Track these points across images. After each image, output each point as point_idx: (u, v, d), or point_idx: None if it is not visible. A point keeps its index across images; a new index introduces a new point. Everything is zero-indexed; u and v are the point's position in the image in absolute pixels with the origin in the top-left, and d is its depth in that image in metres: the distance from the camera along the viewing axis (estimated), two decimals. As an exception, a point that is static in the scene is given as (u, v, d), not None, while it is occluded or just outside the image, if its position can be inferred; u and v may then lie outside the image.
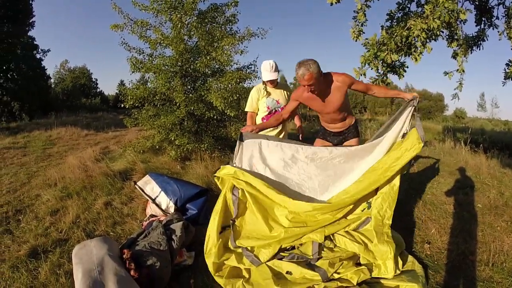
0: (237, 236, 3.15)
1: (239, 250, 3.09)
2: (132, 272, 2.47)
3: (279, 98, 4.19)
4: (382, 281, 2.78)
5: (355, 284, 2.69)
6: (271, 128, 4.07)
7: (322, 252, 3.05)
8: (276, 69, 3.99)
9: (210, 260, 2.93)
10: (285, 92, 4.28)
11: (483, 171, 6.22)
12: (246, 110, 4.26)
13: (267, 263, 2.98)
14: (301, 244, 3.16)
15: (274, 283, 2.70)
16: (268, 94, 4.12)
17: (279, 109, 4.14)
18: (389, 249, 2.87)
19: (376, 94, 3.39)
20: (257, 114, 4.27)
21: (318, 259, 2.97)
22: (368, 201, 3.33)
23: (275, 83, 4.10)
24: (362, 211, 3.36)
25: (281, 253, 3.08)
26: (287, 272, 2.88)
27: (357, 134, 3.72)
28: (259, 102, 4.09)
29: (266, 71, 3.95)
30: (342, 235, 3.16)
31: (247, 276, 2.91)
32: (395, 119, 3.22)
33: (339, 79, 3.22)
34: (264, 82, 4.11)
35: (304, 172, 3.37)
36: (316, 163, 3.35)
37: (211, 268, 2.90)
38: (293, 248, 3.16)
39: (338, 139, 3.72)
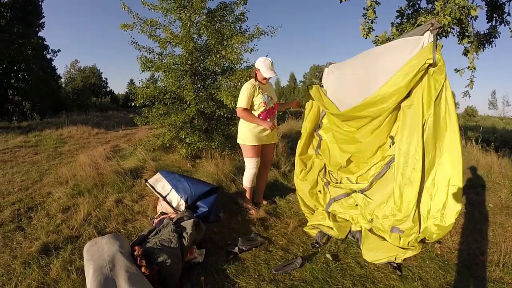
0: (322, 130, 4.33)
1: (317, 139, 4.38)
2: (143, 269, 2.48)
3: (271, 94, 4.16)
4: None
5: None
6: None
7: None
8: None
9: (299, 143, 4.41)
10: (272, 88, 4.31)
11: (494, 170, 6.16)
12: (242, 106, 3.96)
13: (319, 174, 4.29)
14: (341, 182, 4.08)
15: (307, 190, 4.21)
16: (264, 90, 4.07)
17: (273, 105, 4.12)
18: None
19: None
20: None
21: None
22: (392, 135, 3.53)
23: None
24: (390, 147, 3.56)
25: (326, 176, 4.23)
26: (319, 191, 4.18)
27: None
28: (255, 99, 4.00)
29: (267, 68, 3.91)
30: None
31: (307, 169, 4.36)
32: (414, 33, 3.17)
33: None
34: (256, 79, 4.05)
35: (356, 80, 3.76)
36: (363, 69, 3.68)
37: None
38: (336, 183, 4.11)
39: None
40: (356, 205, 3.76)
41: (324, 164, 4.30)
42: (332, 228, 3.61)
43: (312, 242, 3.55)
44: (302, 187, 4.26)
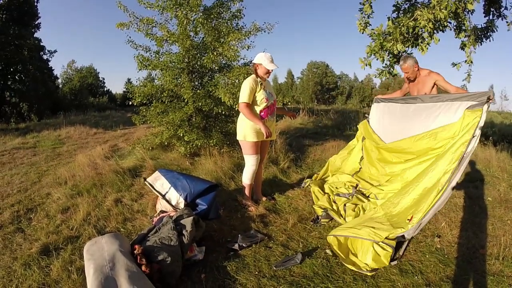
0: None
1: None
2: (143, 268, 2.48)
3: (271, 91, 4.18)
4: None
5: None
6: (271, 119, 4.16)
7: (353, 197, 4.22)
8: None
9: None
10: (271, 85, 4.36)
11: (493, 164, 6.18)
12: (244, 101, 3.90)
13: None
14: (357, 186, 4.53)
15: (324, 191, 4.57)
16: (265, 86, 4.08)
17: (273, 101, 4.13)
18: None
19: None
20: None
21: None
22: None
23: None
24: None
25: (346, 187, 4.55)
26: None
27: None
28: (258, 94, 3.99)
29: (269, 61, 3.93)
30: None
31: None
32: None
33: (431, 73, 4.22)
34: (257, 75, 4.06)
35: (398, 120, 4.34)
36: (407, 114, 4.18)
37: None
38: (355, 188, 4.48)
39: None
40: (345, 205, 4.09)
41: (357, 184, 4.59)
42: (337, 213, 3.97)
43: (313, 217, 3.98)
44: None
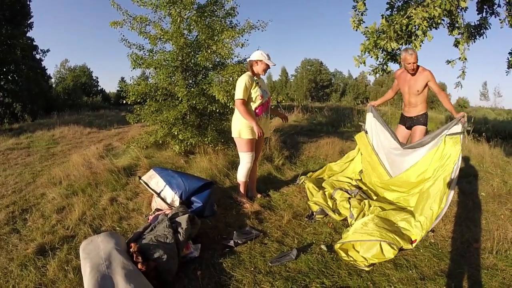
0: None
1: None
2: (139, 265, 2.49)
3: (265, 88, 4.21)
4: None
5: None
6: (265, 117, 4.22)
7: (356, 195, 4.24)
8: None
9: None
10: (265, 82, 4.38)
11: (486, 160, 6.23)
12: (241, 97, 3.92)
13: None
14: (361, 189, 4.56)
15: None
16: (260, 83, 4.11)
17: (267, 99, 4.16)
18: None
19: (439, 98, 4.32)
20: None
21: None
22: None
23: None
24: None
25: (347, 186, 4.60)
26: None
27: (424, 123, 4.49)
28: (253, 91, 3.99)
29: (267, 59, 3.99)
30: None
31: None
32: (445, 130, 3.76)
33: (424, 72, 4.23)
34: (253, 73, 4.08)
35: (389, 151, 4.47)
36: (395, 152, 4.39)
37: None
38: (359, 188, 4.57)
39: (409, 123, 4.60)
40: (349, 198, 4.13)
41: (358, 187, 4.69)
42: (332, 209, 4.00)
43: (308, 213, 4.03)
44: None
